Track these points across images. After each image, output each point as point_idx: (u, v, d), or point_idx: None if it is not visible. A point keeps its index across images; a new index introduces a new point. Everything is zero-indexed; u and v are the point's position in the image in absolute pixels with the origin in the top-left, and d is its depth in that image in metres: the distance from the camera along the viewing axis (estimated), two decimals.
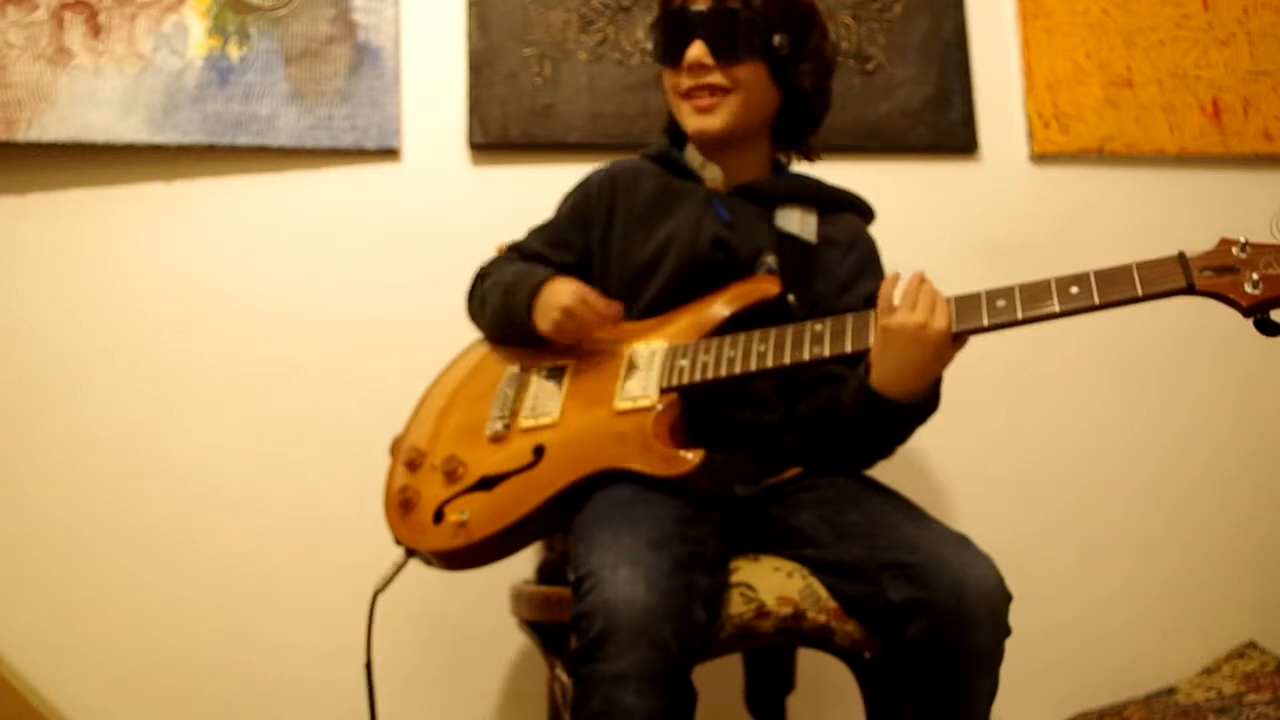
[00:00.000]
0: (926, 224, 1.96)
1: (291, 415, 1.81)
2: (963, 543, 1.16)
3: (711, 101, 1.38)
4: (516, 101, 1.90)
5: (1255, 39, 2.09)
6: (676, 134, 1.49)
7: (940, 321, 1.14)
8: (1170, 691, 1.88)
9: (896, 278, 1.19)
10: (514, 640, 1.75)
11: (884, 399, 1.19)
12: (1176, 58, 2.07)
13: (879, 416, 1.22)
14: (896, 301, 1.17)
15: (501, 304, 1.42)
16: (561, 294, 1.34)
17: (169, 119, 1.80)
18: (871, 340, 1.19)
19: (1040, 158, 2.03)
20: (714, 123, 1.39)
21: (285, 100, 1.84)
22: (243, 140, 1.82)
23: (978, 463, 1.93)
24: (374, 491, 1.40)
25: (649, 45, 1.90)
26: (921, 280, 1.18)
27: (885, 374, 1.19)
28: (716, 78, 1.37)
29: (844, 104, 1.95)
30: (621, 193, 1.47)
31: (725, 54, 1.36)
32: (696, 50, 1.36)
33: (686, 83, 1.39)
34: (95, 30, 1.80)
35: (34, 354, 1.78)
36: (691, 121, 1.41)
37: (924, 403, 1.22)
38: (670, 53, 1.39)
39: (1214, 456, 2.02)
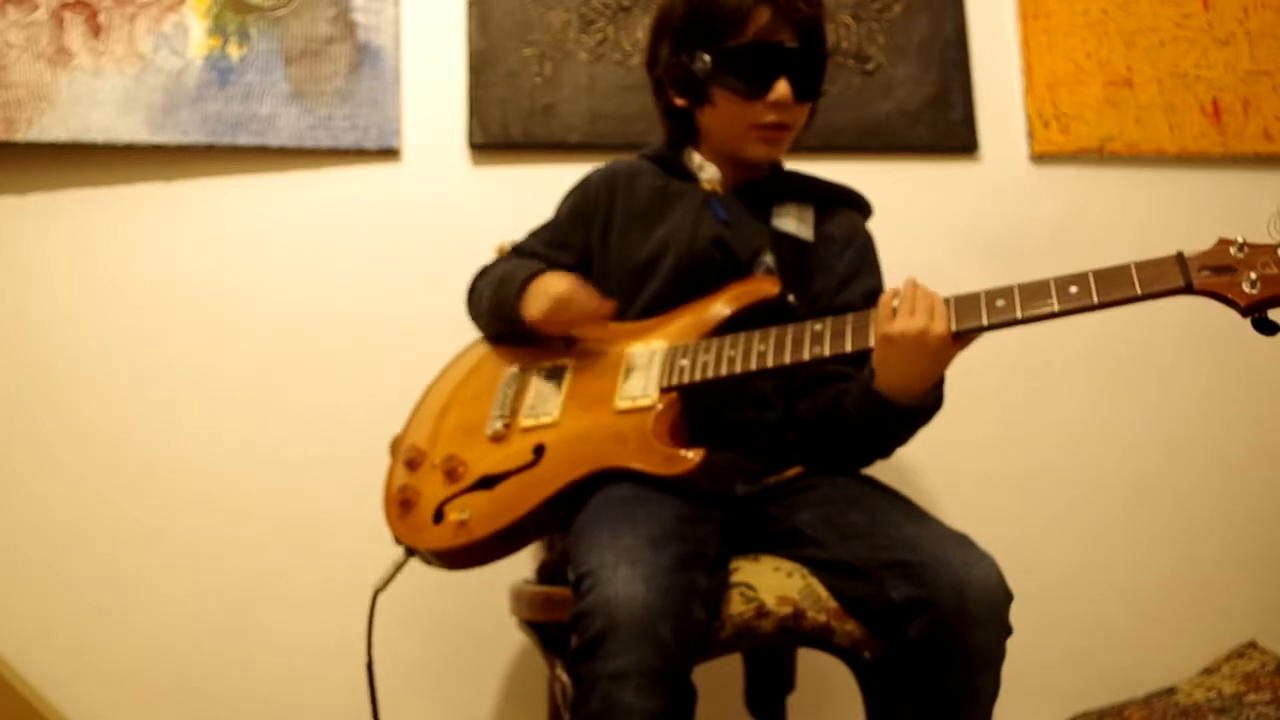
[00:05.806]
0: (926, 224, 1.96)
1: (291, 415, 1.81)
2: (964, 542, 1.15)
3: (780, 135, 1.40)
4: (516, 101, 1.90)
5: (1255, 39, 2.09)
6: (674, 135, 1.49)
7: (939, 325, 1.15)
8: (1170, 691, 1.88)
9: (895, 291, 1.19)
10: (514, 640, 1.75)
11: (889, 403, 1.21)
12: (1176, 58, 2.07)
13: (884, 420, 1.23)
14: (895, 308, 1.17)
15: (493, 298, 1.44)
16: (555, 283, 1.35)
17: (169, 119, 1.80)
18: (872, 340, 1.19)
19: (1040, 158, 2.03)
20: (778, 152, 1.44)
21: (285, 100, 1.84)
22: (243, 140, 1.82)
23: (978, 463, 1.93)
24: (374, 491, 1.40)
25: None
26: (915, 285, 1.18)
27: (889, 379, 1.20)
28: (791, 115, 1.39)
29: (844, 104, 1.95)
30: (620, 192, 1.48)
31: (808, 94, 1.39)
32: (786, 88, 1.36)
33: (771, 117, 1.38)
34: (95, 30, 1.80)
35: (34, 354, 1.78)
36: (759, 150, 1.41)
37: (928, 405, 1.23)
38: (753, 85, 1.36)
39: (1214, 456, 2.02)
